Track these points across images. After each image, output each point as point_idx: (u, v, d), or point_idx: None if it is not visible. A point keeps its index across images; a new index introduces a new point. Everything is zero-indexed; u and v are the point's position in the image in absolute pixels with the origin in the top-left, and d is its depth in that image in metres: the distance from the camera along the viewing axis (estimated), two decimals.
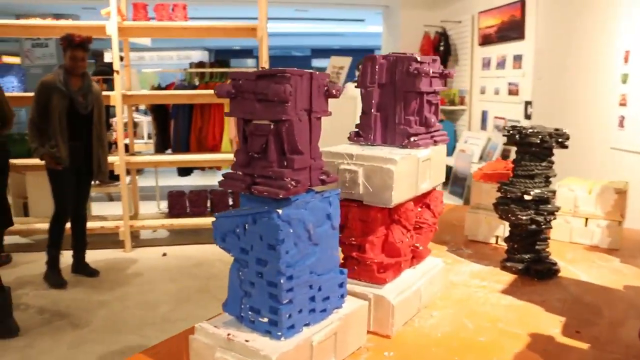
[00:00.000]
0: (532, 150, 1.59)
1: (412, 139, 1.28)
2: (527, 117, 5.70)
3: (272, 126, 0.97)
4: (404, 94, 1.29)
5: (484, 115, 7.05)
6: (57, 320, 3.48)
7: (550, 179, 1.63)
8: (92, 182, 4.36)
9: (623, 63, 4.05)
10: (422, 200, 1.38)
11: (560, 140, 1.58)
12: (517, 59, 6.28)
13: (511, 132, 1.62)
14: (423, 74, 1.26)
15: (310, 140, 1.02)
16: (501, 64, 6.69)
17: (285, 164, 0.97)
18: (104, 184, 5.40)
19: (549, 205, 1.60)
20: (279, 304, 0.97)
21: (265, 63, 4.71)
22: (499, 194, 1.68)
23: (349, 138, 1.35)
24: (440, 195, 1.40)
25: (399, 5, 8.72)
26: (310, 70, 1.02)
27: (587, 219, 1.94)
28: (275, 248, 0.95)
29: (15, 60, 11.91)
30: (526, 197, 1.58)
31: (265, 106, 0.97)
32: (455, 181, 6.84)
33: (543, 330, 1.26)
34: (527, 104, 5.75)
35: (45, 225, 5.14)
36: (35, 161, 5.02)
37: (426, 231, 1.34)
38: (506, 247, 1.71)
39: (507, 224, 1.85)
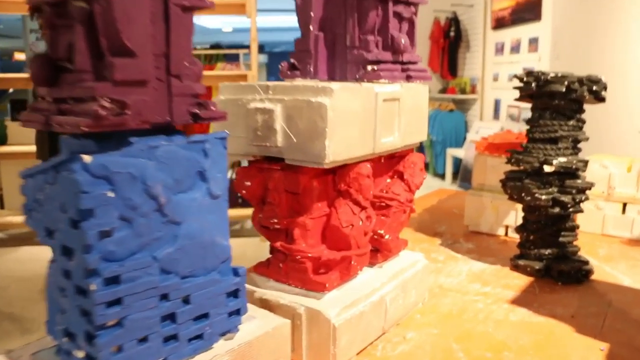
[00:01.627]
0: (555, 104, 1.14)
1: (370, 67, 0.83)
2: None
3: (85, 8, 0.53)
4: (358, 2, 0.84)
5: (497, 104, 6.58)
6: (8, 325, 3.07)
7: (580, 144, 1.18)
8: None
9: None
10: (390, 165, 0.93)
11: (595, 89, 1.12)
12: (533, 42, 5.81)
13: (526, 79, 1.17)
14: None
15: (168, 42, 0.57)
16: (515, 48, 6.22)
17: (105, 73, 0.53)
18: None
19: (579, 180, 1.14)
20: (94, 326, 0.53)
21: (254, 41, 4.27)
22: (508, 169, 1.23)
23: (280, 73, 0.90)
24: (420, 161, 0.95)
25: None
26: None
27: (624, 204, 1.48)
28: (77, 225, 0.51)
29: (22, 57, 11.70)
30: (546, 169, 1.12)
31: None
32: (465, 175, 6.36)
33: None
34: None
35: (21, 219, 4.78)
36: (10, 149, 4.64)
37: (397, 212, 0.89)
38: (518, 240, 1.26)
39: (519, 208, 1.40)
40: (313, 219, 0.79)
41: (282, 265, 0.81)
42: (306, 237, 0.78)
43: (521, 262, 1.19)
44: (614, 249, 1.38)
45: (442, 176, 7.16)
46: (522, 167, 1.16)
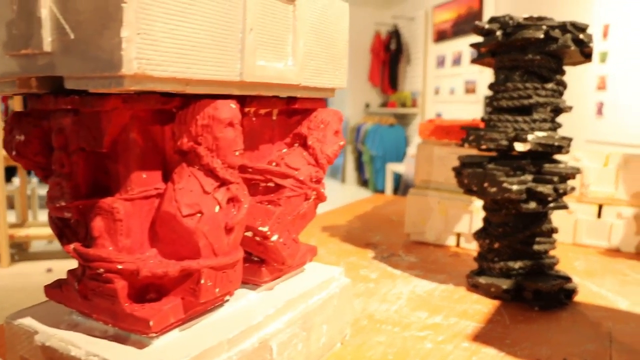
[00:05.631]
0: (528, 60, 0.82)
1: None
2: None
3: None
4: None
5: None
6: None
7: (559, 116, 0.87)
8: None
9: (602, 39, 3.38)
10: (287, 126, 0.58)
11: (582, 37, 0.81)
12: (475, 54, 5.63)
13: (488, 27, 0.84)
14: None
15: None
16: (457, 61, 6.04)
17: None
18: None
19: (561, 165, 0.82)
20: None
21: None
22: (462, 154, 0.91)
23: None
24: (335, 120, 0.60)
25: (349, 3, 7.98)
26: None
27: (601, 205, 1.19)
28: None
29: None
30: (518, 148, 0.80)
31: None
32: (406, 191, 6.10)
33: None
34: (488, 98, 5.07)
35: None
36: None
37: (293, 198, 0.54)
38: (477, 250, 0.93)
39: (475, 211, 1.08)
40: (131, 200, 0.43)
41: (77, 286, 0.44)
42: (116, 234, 0.42)
43: (482, 280, 0.86)
44: (593, 262, 1.08)
45: (382, 192, 6.89)
46: (483, 147, 0.83)
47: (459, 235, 1.13)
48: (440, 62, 6.45)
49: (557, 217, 1.20)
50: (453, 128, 1.10)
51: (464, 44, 5.88)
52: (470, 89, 5.74)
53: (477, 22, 0.86)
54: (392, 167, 6.41)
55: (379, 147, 6.83)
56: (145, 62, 0.35)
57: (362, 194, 6.87)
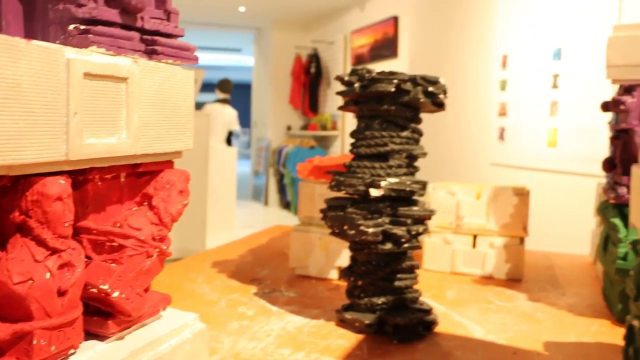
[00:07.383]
0: (384, 110, 0.90)
1: (73, 27, 0.52)
2: None
3: None
4: None
5: None
6: None
7: (420, 165, 0.94)
8: None
9: (501, 68, 3.58)
10: (135, 187, 0.62)
11: (431, 90, 0.89)
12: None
13: (348, 79, 0.91)
14: None
15: None
16: None
17: None
18: None
19: (415, 207, 0.89)
20: None
21: None
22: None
23: None
24: (181, 180, 0.64)
25: (270, 27, 8.11)
26: None
27: (475, 236, 1.28)
28: None
29: None
30: (373, 193, 0.87)
31: None
32: None
33: None
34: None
35: None
36: None
37: (135, 256, 0.58)
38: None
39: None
40: None
41: None
42: None
43: (348, 316, 0.92)
44: (464, 290, 1.16)
45: None
46: (343, 190, 0.90)
47: (340, 269, 1.19)
48: None
49: (437, 248, 1.28)
50: (330, 167, 1.16)
51: (381, 68, 6.04)
52: None
53: (338, 75, 0.93)
54: None
55: None
56: None
57: (284, 216, 6.92)
